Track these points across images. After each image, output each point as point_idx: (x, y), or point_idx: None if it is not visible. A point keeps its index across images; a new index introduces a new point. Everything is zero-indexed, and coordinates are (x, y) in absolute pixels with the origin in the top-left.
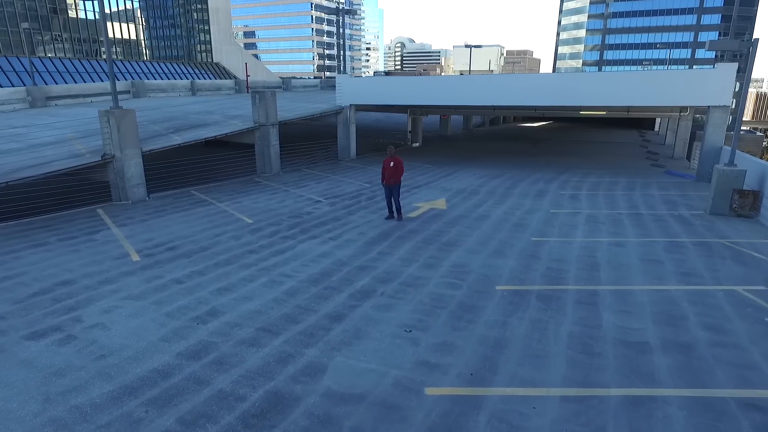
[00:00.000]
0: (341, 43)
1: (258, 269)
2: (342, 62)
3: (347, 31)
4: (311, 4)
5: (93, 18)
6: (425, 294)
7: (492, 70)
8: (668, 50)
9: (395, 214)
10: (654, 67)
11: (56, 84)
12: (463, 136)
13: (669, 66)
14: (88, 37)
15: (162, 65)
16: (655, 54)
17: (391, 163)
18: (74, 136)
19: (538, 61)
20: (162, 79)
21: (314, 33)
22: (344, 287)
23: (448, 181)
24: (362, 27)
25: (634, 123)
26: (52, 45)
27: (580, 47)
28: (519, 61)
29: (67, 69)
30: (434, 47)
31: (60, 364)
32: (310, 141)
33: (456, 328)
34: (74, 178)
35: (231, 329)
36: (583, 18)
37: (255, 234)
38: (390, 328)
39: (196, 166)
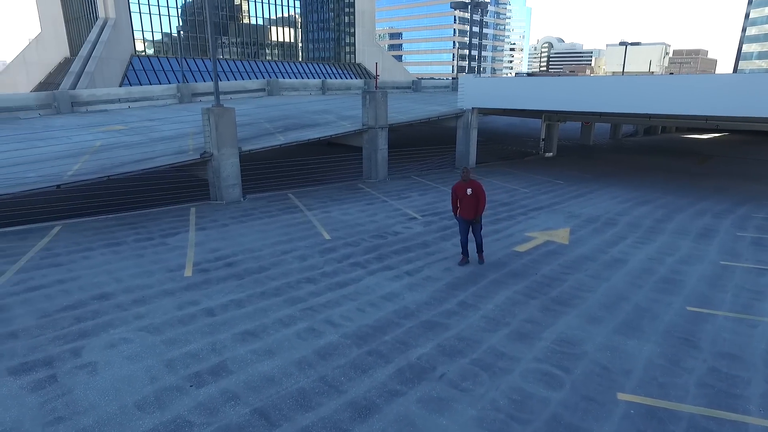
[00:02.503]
0: (471, 41)
1: (304, 308)
2: (477, 62)
3: (490, 32)
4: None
5: (260, 24)
6: (504, 389)
7: (653, 72)
8: None
9: (477, 254)
10: None
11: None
12: (608, 147)
13: None
14: (255, 41)
15: (311, 66)
16: None
17: (468, 191)
18: (194, 132)
19: (714, 62)
20: (310, 78)
21: (456, 33)
22: (395, 355)
23: (578, 204)
24: (507, 26)
25: None
26: (229, 48)
27: None
28: (688, 61)
29: (231, 69)
30: (585, 47)
31: (9, 422)
32: (428, 145)
33: None
34: (182, 174)
35: (223, 404)
36: None
37: (324, 256)
38: None
39: (302, 168)
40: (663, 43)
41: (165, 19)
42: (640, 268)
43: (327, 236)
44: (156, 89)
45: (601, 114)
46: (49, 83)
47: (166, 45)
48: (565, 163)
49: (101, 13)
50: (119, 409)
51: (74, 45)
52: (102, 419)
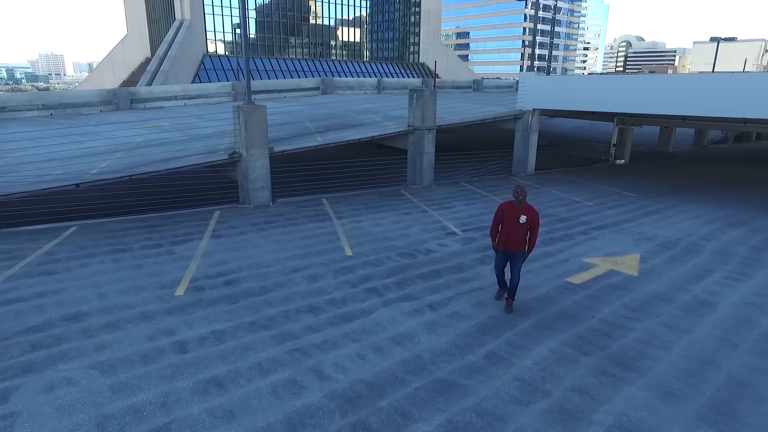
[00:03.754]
0: (536, 38)
1: (293, 348)
2: (547, 62)
3: (563, 30)
4: (526, 1)
5: (329, 24)
6: None
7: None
8: None
9: (506, 300)
10: None
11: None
12: (691, 155)
13: None
14: (322, 41)
15: (374, 65)
16: None
17: (522, 218)
18: (232, 130)
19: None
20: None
21: (526, 32)
22: None
23: (651, 224)
24: (582, 25)
25: None
26: (296, 48)
27: None
28: None
29: (295, 68)
30: (668, 46)
31: None
32: (485, 149)
33: None
34: (216, 174)
35: None
36: None
37: (338, 277)
38: None
39: (342, 171)
40: (762, 39)
41: (236, 20)
42: (733, 316)
43: (349, 252)
44: (212, 87)
45: (684, 118)
46: (131, 81)
47: (237, 45)
48: (639, 172)
49: (178, 15)
50: None
51: (155, 45)
52: None
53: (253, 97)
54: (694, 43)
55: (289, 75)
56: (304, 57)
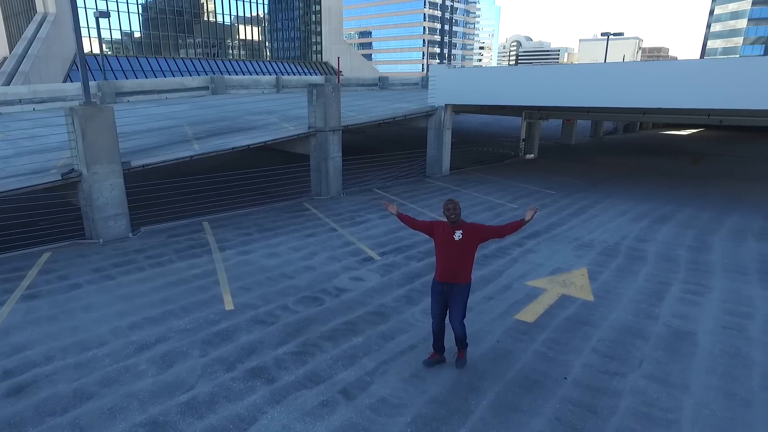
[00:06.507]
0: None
1: None
2: (447, 59)
3: (460, 29)
4: (424, 1)
5: (225, 22)
6: None
7: None
8: None
9: (457, 349)
10: None
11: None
12: (591, 147)
13: None
14: (219, 40)
15: (275, 64)
16: None
17: (457, 234)
18: None
19: (672, 60)
20: None
21: (426, 32)
22: None
23: (582, 225)
24: (476, 25)
25: None
26: (187, 48)
27: (738, 40)
28: (654, 58)
29: (188, 68)
30: (553, 45)
31: None
32: (396, 149)
33: None
34: (54, 201)
35: None
36: (745, 5)
37: (209, 352)
38: None
39: (233, 184)
40: (636, 38)
41: (124, 17)
42: (720, 351)
43: (229, 304)
44: (69, 87)
45: (589, 110)
46: None
47: (121, 43)
48: (551, 167)
49: (39, 8)
50: None
51: (13, 43)
52: None
53: (127, 98)
54: (580, 40)
55: (180, 75)
56: (198, 57)
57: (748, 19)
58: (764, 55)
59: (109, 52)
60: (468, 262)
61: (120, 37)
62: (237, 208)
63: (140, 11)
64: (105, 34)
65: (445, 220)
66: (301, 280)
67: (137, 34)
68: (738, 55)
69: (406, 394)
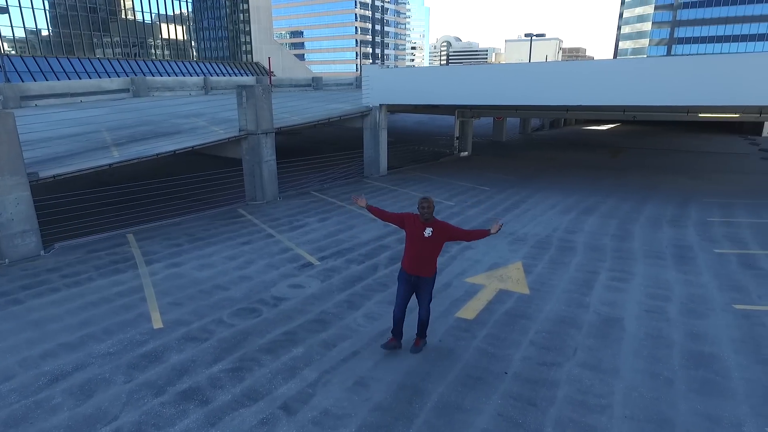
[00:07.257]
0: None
1: None
2: (380, 60)
3: (392, 30)
4: (355, 1)
5: (146, 20)
6: None
7: None
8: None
9: (416, 336)
10: None
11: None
12: (521, 143)
13: None
14: (141, 40)
15: (203, 65)
16: (732, 49)
17: (427, 231)
18: None
19: (591, 60)
20: None
21: (358, 32)
22: None
23: (516, 219)
24: (407, 26)
25: (731, 127)
26: (104, 48)
27: (645, 42)
28: (573, 58)
29: (107, 70)
30: (481, 46)
31: None
32: (333, 150)
33: None
34: None
35: None
36: (649, 9)
37: (136, 376)
38: None
39: (161, 192)
40: (557, 39)
41: (27, 12)
42: (645, 334)
43: (158, 322)
44: None
45: (517, 108)
46: None
47: (26, 42)
48: (484, 164)
49: None
50: None
51: None
52: None
53: (34, 102)
54: (506, 41)
55: (97, 77)
56: (117, 57)
57: (652, 23)
58: (666, 55)
59: (13, 52)
60: (434, 257)
61: (24, 36)
62: (165, 218)
63: (47, 7)
64: (6, 32)
65: (421, 216)
66: (237, 291)
67: (45, 32)
68: (645, 56)
69: (350, 404)
